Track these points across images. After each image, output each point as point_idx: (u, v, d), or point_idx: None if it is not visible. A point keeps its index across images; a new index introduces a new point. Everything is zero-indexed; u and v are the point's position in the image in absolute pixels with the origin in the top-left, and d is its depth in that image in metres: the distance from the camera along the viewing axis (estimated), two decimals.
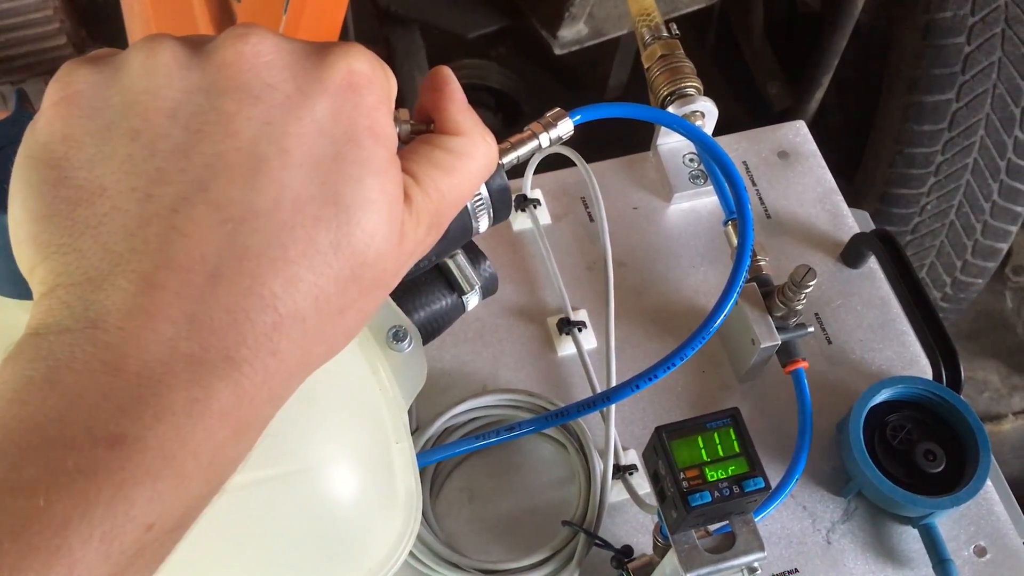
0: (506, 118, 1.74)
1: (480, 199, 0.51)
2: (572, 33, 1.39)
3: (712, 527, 0.56)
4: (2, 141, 0.41)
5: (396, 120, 0.38)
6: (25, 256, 0.33)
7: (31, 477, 0.28)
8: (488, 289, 0.60)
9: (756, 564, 0.55)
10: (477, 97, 1.70)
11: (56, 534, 0.27)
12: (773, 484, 0.65)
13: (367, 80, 0.35)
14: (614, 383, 0.75)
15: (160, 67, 0.33)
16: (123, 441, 0.29)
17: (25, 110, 0.42)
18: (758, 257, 0.75)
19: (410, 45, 1.49)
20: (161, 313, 0.30)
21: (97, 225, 0.31)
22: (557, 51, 1.43)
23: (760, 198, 0.88)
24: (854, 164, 1.61)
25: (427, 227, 0.37)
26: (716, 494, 0.52)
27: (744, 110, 1.78)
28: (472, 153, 0.39)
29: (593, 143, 0.87)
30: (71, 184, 0.32)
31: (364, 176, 0.34)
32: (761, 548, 0.55)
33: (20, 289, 0.40)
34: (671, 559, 0.56)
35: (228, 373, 0.31)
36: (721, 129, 0.84)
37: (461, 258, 0.59)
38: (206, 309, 0.31)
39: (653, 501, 0.69)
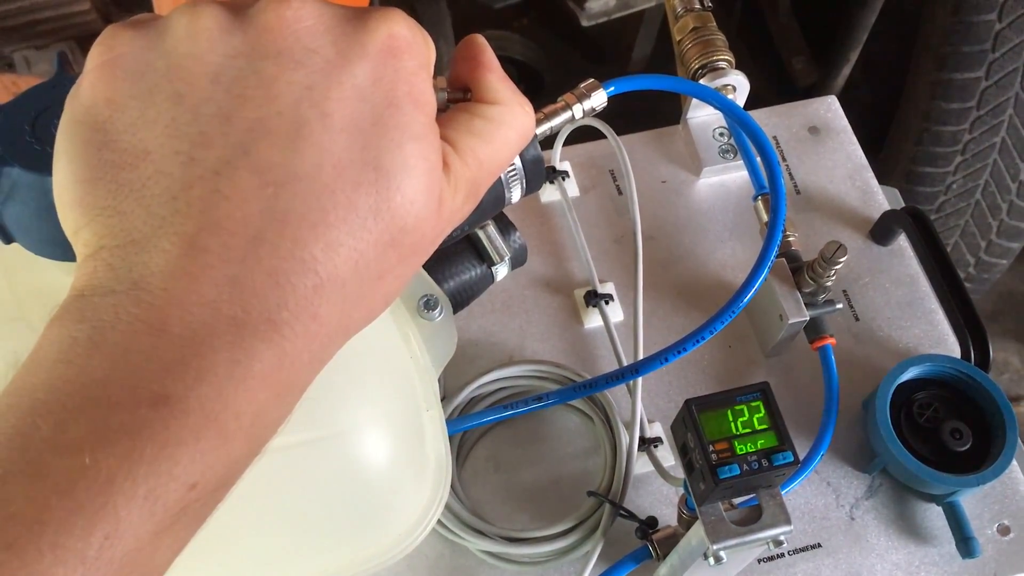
0: (528, 90, 1.72)
1: (514, 169, 0.51)
2: (600, 4, 1.38)
3: (737, 500, 0.56)
4: (43, 104, 0.41)
5: (434, 88, 0.38)
6: (69, 218, 0.33)
7: (77, 436, 0.28)
8: (517, 260, 0.60)
9: (782, 537, 0.55)
10: None
11: (101, 492, 0.27)
12: None
13: (407, 45, 0.35)
14: (641, 356, 0.75)
15: (203, 31, 0.33)
16: (166, 401, 0.29)
17: (66, 74, 0.42)
18: (788, 233, 0.75)
19: (436, 15, 1.48)
20: (204, 275, 0.30)
21: (141, 188, 0.32)
22: (584, 22, 1.42)
23: (790, 173, 0.87)
24: (879, 141, 1.60)
25: (464, 195, 0.37)
26: (745, 467, 0.52)
27: (768, 86, 1.76)
28: (510, 122, 0.39)
29: (617, 116, 0.86)
30: (115, 147, 0.32)
31: (404, 141, 0.34)
32: (788, 521, 0.55)
33: (63, 251, 0.40)
34: (697, 530, 0.56)
35: (269, 335, 0.31)
36: (745, 106, 0.83)
37: (491, 229, 0.59)
38: (248, 272, 0.31)
39: (678, 473, 0.69)
